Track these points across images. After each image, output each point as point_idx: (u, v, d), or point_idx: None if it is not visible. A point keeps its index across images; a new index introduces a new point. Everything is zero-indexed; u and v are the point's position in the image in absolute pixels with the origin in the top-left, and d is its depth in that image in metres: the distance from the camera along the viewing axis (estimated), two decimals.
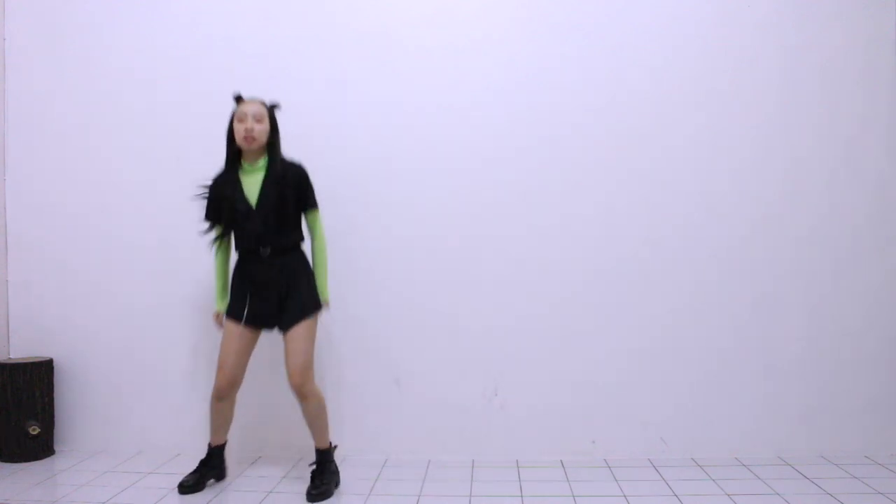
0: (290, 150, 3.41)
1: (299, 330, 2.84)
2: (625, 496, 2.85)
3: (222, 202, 2.88)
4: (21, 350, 3.57)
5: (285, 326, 2.87)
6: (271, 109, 2.91)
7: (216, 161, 3.45)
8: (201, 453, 3.25)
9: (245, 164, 2.88)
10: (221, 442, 3.06)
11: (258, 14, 3.46)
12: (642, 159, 3.33)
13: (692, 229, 3.34)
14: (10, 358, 3.54)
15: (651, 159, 3.33)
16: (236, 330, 2.91)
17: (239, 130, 2.82)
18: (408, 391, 3.38)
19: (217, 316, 3.02)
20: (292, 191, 2.86)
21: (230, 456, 3.37)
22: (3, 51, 3.59)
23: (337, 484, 2.96)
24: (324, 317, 3.14)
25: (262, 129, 2.83)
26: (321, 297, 2.93)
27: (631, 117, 3.33)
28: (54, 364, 3.51)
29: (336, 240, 3.22)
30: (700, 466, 3.19)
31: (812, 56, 3.34)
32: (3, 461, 3.34)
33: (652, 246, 3.34)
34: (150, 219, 3.51)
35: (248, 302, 2.91)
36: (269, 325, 2.93)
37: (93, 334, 3.53)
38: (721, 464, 3.20)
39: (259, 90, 3.43)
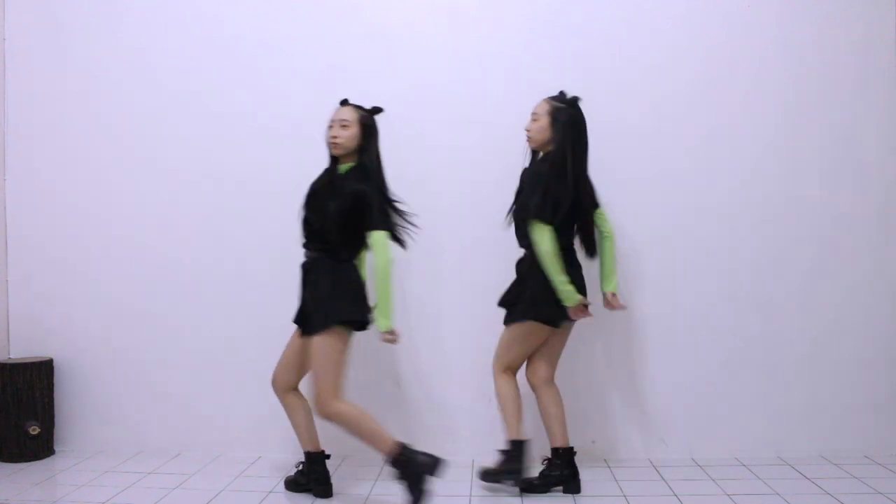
0: (292, 149, 3.42)
1: (313, 344, 2.70)
2: (625, 496, 2.85)
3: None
4: (21, 350, 3.57)
5: (307, 333, 2.76)
6: (365, 115, 2.80)
7: (216, 160, 3.47)
8: (201, 453, 3.27)
9: (339, 167, 2.82)
10: (306, 448, 2.93)
11: (259, 12, 3.46)
12: (642, 159, 3.33)
13: (691, 229, 3.34)
14: (10, 358, 3.53)
15: (650, 159, 3.34)
16: (295, 332, 2.88)
17: (327, 136, 2.80)
18: (408, 391, 3.38)
19: None
20: (342, 202, 2.70)
21: (229, 456, 3.38)
22: (3, 51, 3.59)
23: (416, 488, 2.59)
24: None
25: (348, 135, 2.76)
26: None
27: (630, 117, 3.33)
28: (54, 364, 3.50)
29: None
30: (700, 466, 3.18)
31: (812, 56, 3.33)
32: (3, 461, 3.34)
33: (651, 245, 3.34)
34: (151, 219, 3.50)
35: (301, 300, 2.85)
36: (304, 328, 2.81)
37: (93, 334, 3.53)
38: (721, 464, 3.20)
39: (260, 89, 3.45)
